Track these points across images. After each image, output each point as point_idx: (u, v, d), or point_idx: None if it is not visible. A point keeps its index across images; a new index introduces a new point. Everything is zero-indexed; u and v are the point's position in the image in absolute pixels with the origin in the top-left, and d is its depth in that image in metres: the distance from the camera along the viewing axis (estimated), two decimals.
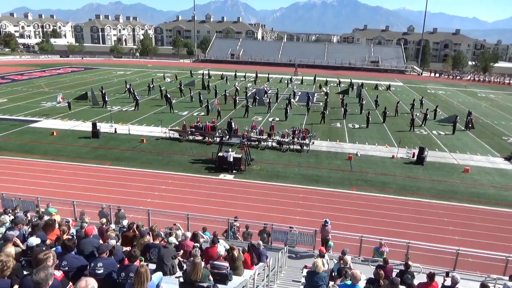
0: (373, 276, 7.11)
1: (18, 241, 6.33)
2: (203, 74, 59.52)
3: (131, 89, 41.15)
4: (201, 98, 38.09)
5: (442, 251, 12.03)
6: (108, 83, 51.84)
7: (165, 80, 54.97)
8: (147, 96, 42.46)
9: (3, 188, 16.46)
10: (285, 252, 11.55)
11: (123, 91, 44.12)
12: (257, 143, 26.16)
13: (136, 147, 25.01)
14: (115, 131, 28.11)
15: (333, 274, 8.25)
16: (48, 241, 6.70)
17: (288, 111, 34.67)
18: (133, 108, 36.16)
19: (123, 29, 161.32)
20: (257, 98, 39.18)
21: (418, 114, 34.88)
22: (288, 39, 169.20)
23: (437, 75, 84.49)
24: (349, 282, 6.53)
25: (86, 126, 29.07)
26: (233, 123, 27.08)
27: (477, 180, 21.45)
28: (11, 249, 5.25)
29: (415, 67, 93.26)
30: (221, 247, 8.11)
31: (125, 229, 9.72)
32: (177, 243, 8.67)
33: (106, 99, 36.97)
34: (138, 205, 15.48)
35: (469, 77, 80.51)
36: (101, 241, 7.18)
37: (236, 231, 13.33)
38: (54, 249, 5.77)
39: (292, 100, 38.57)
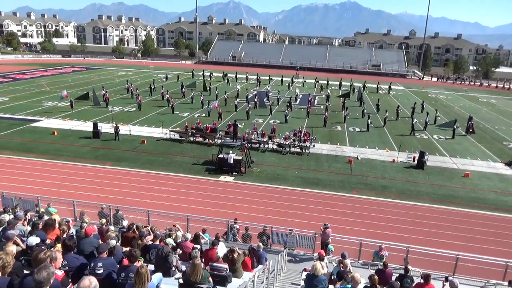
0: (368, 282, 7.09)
1: (19, 240, 6.35)
2: (203, 74, 59.41)
3: (133, 90, 41.24)
4: (202, 100, 38.14)
5: (442, 256, 12.04)
6: (110, 84, 51.91)
7: (162, 80, 55.18)
8: (148, 97, 42.51)
9: (3, 187, 16.47)
10: (284, 254, 11.54)
11: (125, 91, 44.16)
12: (257, 145, 26.18)
13: (137, 148, 25.04)
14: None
15: (332, 277, 8.24)
16: (48, 241, 6.71)
17: (288, 114, 34.77)
18: (134, 108, 36.23)
19: (125, 29, 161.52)
20: (257, 101, 39.15)
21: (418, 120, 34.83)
22: (289, 41, 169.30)
23: (438, 79, 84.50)
24: (349, 286, 6.52)
25: (87, 126, 29.13)
26: (238, 125, 27.04)
27: (477, 185, 21.45)
28: (12, 248, 5.27)
29: (416, 71, 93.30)
30: (221, 249, 8.12)
31: (124, 230, 9.72)
32: (173, 244, 8.68)
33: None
34: (138, 206, 15.47)
35: (479, 83, 79.59)
36: (100, 241, 7.19)
37: (236, 233, 13.33)
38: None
39: (293, 104, 38.59)
